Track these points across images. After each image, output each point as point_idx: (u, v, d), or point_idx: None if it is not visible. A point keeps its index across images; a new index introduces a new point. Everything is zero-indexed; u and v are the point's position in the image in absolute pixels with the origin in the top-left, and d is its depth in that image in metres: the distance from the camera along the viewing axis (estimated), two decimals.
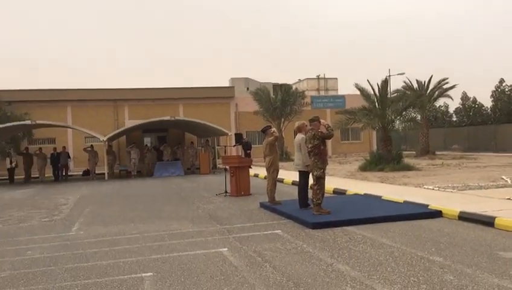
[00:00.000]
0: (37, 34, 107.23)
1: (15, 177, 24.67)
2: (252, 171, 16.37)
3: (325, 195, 9.56)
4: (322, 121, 9.50)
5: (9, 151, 26.25)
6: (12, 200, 15.97)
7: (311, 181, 9.57)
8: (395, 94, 26.67)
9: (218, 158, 28.21)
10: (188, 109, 33.51)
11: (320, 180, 9.21)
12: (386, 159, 19.88)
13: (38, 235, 8.96)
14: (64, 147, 26.47)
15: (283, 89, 33.33)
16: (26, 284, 5.68)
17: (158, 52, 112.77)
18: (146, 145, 27.94)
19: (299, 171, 10.23)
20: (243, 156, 15.38)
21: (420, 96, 27.18)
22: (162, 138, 29.29)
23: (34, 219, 11.14)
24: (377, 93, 21.49)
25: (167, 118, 24.75)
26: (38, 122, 24.46)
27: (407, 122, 25.41)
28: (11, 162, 24.76)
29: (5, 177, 24.58)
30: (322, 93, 51.00)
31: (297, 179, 10.54)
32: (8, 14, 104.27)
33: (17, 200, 15.68)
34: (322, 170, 9.24)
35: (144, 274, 5.85)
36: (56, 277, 5.92)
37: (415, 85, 32.01)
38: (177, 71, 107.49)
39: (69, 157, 26.33)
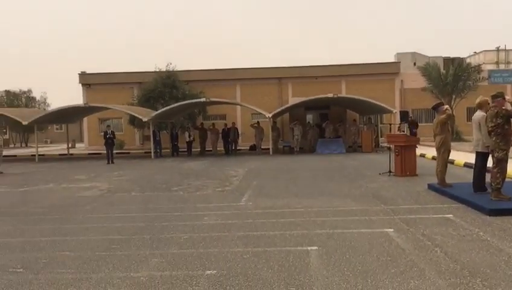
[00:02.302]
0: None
1: (192, 149, 27.25)
2: (418, 151, 15.52)
3: (506, 180, 8.61)
4: (507, 97, 8.50)
5: (188, 126, 29.04)
6: (190, 170, 17.69)
7: (490, 164, 8.69)
8: None
9: (381, 136, 27.39)
10: (351, 86, 33.01)
11: (501, 163, 8.30)
12: None
13: (212, 203, 9.80)
14: (233, 123, 28.33)
15: (455, 63, 30.74)
16: (204, 247, 6.26)
17: (316, 27, 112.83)
18: (308, 122, 28.39)
19: (476, 152, 9.35)
20: (408, 134, 14.63)
21: None
22: (324, 115, 29.43)
23: (209, 188, 12.20)
24: None
25: (330, 95, 24.74)
26: (211, 99, 26.57)
27: None
28: (189, 136, 27.39)
29: (184, 150, 27.30)
30: (502, 66, 45.66)
31: (470, 161, 9.68)
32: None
33: (194, 171, 17.32)
34: (505, 152, 8.30)
35: (309, 248, 5.99)
36: (229, 243, 6.40)
37: None
38: (339, 48, 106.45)
39: (238, 132, 28.10)
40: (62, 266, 5.48)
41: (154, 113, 25.69)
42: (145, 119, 25.27)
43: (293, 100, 30.98)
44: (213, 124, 28.23)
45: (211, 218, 8.20)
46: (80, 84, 35.37)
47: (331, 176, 14.30)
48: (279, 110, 27.14)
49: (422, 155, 19.05)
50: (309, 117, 29.77)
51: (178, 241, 6.58)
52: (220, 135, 27.18)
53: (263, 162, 20.64)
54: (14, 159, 27.37)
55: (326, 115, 29.13)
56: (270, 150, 25.21)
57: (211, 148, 26.96)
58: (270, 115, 25.28)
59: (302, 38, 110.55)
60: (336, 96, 24.84)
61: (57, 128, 52.90)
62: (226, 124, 27.93)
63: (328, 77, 33.43)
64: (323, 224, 7.41)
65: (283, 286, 4.62)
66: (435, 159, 11.57)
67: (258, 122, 27.06)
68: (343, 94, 29.91)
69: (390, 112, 24.13)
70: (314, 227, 7.21)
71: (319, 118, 29.53)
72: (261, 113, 26.60)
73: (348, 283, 4.68)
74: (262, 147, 26.41)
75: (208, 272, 5.13)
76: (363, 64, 34.33)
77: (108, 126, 24.81)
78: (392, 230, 6.82)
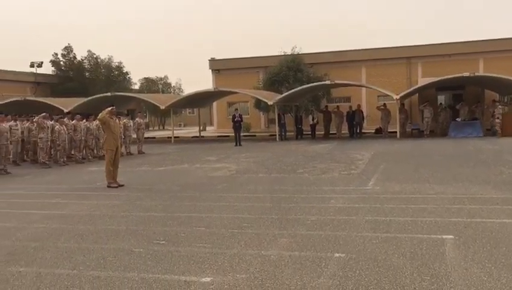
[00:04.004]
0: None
1: (316, 132, 27.26)
2: None
3: None
4: None
5: (312, 109, 29.08)
6: (315, 153, 17.74)
7: None
8: None
9: None
10: (490, 64, 30.12)
11: None
12: None
13: (338, 187, 9.73)
14: (359, 106, 27.71)
15: None
16: (332, 229, 6.25)
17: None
18: (440, 103, 26.72)
19: None
20: None
21: None
22: (458, 95, 27.42)
23: (334, 171, 12.12)
24: None
25: (466, 74, 22.89)
26: (336, 82, 26.24)
27: None
28: (313, 119, 27.43)
29: (308, 133, 27.41)
30: None
31: None
32: None
33: (319, 154, 17.33)
34: None
35: (444, 236, 5.66)
36: (357, 227, 6.31)
37: None
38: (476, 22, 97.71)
39: (363, 115, 27.43)
40: (199, 241, 5.88)
41: (279, 96, 26.15)
42: (270, 103, 25.86)
43: (423, 80, 29.25)
44: (337, 106, 27.90)
45: (338, 201, 8.15)
46: (210, 70, 37.26)
47: (466, 160, 13.32)
48: (407, 91, 25.87)
49: None
50: (440, 98, 27.98)
51: (305, 222, 6.66)
52: (345, 118, 26.78)
53: (390, 145, 19.91)
54: (153, 140, 29.89)
55: (461, 96, 27.08)
56: (398, 133, 24.22)
57: (335, 131, 26.71)
58: (398, 97, 24.23)
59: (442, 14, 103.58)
60: (472, 75, 22.93)
61: (189, 112, 56.47)
62: (350, 107, 27.41)
63: (463, 55, 30.90)
64: (459, 212, 6.95)
65: (416, 274, 4.43)
66: None
67: (384, 104, 26.14)
68: (481, 73, 27.45)
69: None
70: (448, 215, 6.80)
71: (451, 99, 27.57)
72: (388, 95, 25.64)
73: (490, 275, 4.34)
74: (389, 130, 25.47)
75: (337, 254, 5.12)
76: (505, 39, 31.09)
77: (236, 110, 25.84)
78: None
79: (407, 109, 27.97)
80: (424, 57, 32.35)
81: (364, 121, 27.78)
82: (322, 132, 27.19)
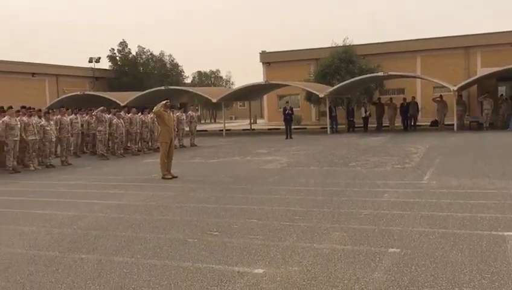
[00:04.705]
0: None
1: (368, 125, 26.76)
2: None
3: None
4: None
5: (364, 101, 28.54)
6: (367, 146, 17.42)
7: None
8: None
9: None
10: None
11: None
12: None
13: (392, 181, 9.52)
14: (413, 98, 26.90)
15: None
16: (385, 224, 6.13)
17: None
18: (501, 94, 25.40)
19: None
20: None
21: None
22: None
23: (387, 165, 11.87)
24: None
25: None
26: (389, 73, 25.58)
27: None
28: (365, 112, 26.93)
29: (360, 125, 26.95)
30: None
31: None
32: None
33: (371, 147, 17.00)
34: None
35: (506, 233, 5.42)
36: (413, 222, 6.16)
37: None
38: None
39: (418, 107, 26.63)
40: (252, 233, 5.94)
41: (330, 88, 25.84)
42: (321, 95, 25.61)
43: (482, 71, 27.96)
44: (391, 98, 27.23)
45: (391, 195, 7.99)
46: (261, 63, 37.33)
47: None
48: (466, 82, 24.89)
49: None
50: (501, 89, 26.56)
51: (358, 216, 6.57)
52: (398, 110, 26.10)
53: (446, 138, 19.24)
54: (205, 133, 30.38)
55: None
56: (455, 125, 23.35)
57: (388, 124, 26.09)
58: (455, 88, 23.35)
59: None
60: None
61: (240, 105, 56.95)
62: (404, 99, 26.65)
63: None
64: None
65: (475, 272, 4.28)
66: None
67: (441, 95, 25.25)
68: None
69: None
70: (510, 211, 6.50)
71: None
72: (444, 86, 24.76)
73: None
74: (445, 122, 24.60)
75: (391, 249, 5.02)
76: None
77: (287, 102, 25.77)
78: None
79: (465, 100, 26.86)
80: (483, 46, 30.98)
81: (419, 113, 26.98)
82: (375, 125, 26.65)
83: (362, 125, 26.64)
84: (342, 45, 31.90)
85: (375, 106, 27.26)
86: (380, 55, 31.74)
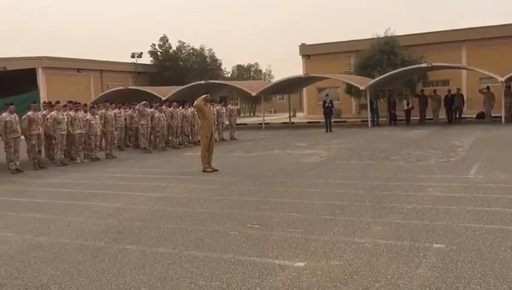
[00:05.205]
0: None
1: (411, 118, 26.13)
2: None
3: None
4: None
5: (406, 93, 27.86)
6: (409, 139, 17.03)
7: None
8: None
9: None
10: None
11: None
12: None
13: (436, 175, 9.28)
14: (458, 89, 26.04)
15: None
16: (429, 219, 5.99)
17: None
18: None
19: None
20: None
21: None
22: None
23: (431, 159, 11.57)
24: None
25: None
26: (433, 64, 24.86)
27: None
28: (407, 104, 26.29)
29: (402, 118, 26.34)
30: None
31: None
32: None
33: (414, 140, 16.61)
34: None
35: None
36: (458, 217, 5.99)
37: None
38: None
39: (463, 99, 25.79)
40: (292, 226, 5.94)
41: (371, 81, 25.38)
42: (362, 88, 25.20)
43: None
44: (434, 90, 26.43)
45: (436, 190, 7.79)
46: (300, 56, 37.08)
47: None
48: None
49: None
50: None
51: (401, 211, 6.45)
52: (442, 102, 25.33)
53: (494, 131, 18.57)
54: (244, 126, 30.50)
55: None
56: (503, 118, 22.48)
57: (432, 117, 25.39)
58: (504, 79, 22.42)
59: None
60: None
61: (279, 99, 56.78)
62: (449, 90, 25.82)
63: None
64: None
65: None
66: None
67: (488, 87, 24.30)
68: None
69: None
70: None
71: None
72: (491, 77, 23.86)
73: None
74: (492, 114, 23.71)
75: (436, 245, 4.90)
76: None
77: (326, 95, 25.51)
78: None
79: None
80: None
81: (465, 105, 26.09)
82: (417, 118, 26.00)
83: (404, 118, 26.04)
84: (383, 36, 31.22)
85: (417, 98, 26.56)
86: (423, 45, 30.87)
